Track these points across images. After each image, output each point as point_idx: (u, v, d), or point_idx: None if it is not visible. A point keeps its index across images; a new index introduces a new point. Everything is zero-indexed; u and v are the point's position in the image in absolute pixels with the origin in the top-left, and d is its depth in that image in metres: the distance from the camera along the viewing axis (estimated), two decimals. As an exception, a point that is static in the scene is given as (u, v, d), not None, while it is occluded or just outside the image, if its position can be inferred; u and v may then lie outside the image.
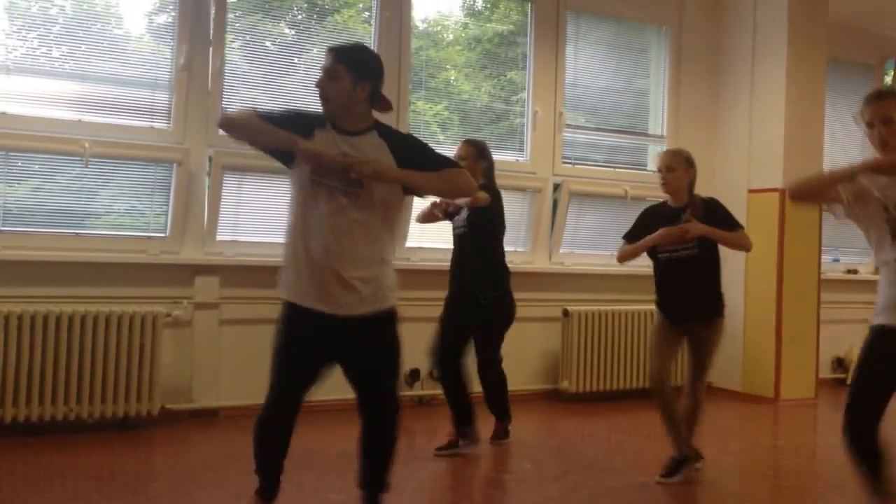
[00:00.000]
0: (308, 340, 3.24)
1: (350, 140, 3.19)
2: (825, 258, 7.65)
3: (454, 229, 5.17)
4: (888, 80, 8.71)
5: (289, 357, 3.28)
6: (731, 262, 7.40)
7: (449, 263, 5.17)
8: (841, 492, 4.35)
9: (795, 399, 7.02)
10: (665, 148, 7.51)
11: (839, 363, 8.08)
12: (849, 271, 8.28)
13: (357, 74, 3.15)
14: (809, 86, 7.20)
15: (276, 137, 3.12)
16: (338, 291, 3.13)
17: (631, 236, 4.72)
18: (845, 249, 8.35)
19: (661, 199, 4.80)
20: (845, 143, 8.22)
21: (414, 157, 3.23)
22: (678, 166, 4.63)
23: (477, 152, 5.13)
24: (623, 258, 4.74)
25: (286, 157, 3.22)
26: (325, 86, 3.17)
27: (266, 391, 3.38)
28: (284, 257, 3.28)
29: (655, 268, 4.70)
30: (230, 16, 5.90)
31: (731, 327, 7.37)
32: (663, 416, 4.53)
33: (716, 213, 4.61)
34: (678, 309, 4.60)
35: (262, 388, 5.64)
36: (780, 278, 7.07)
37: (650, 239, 4.54)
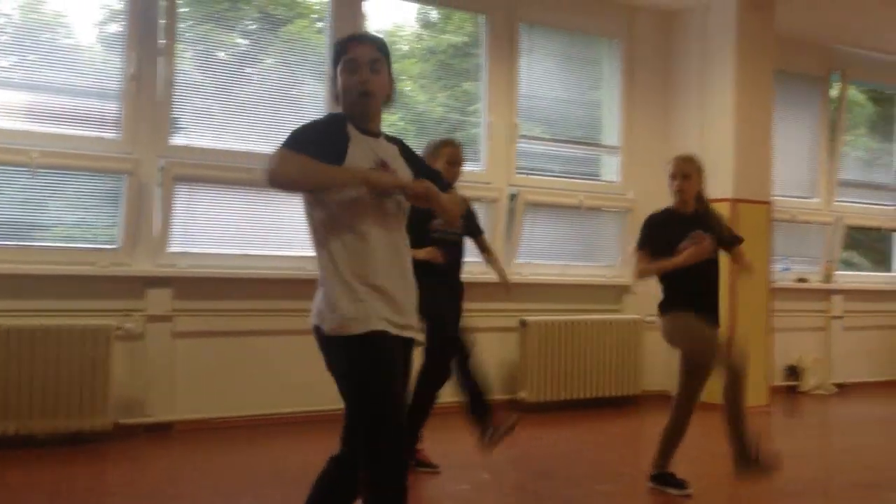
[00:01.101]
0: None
1: (376, 145, 2.77)
2: (776, 267, 7.76)
3: (447, 235, 4.66)
4: (834, 91, 8.89)
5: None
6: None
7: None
8: (797, 497, 4.40)
9: (748, 407, 7.07)
10: (620, 158, 7.60)
11: (791, 371, 8.19)
12: (800, 280, 8.42)
13: (391, 67, 2.82)
14: (758, 97, 7.32)
15: (347, 176, 2.58)
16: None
17: (649, 248, 4.45)
18: (796, 258, 8.50)
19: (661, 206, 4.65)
20: (794, 153, 8.38)
21: (423, 169, 2.90)
22: (693, 173, 4.50)
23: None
24: (643, 275, 4.51)
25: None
26: (369, 79, 2.69)
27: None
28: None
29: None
30: (181, 25, 5.83)
31: (685, 336, 7.47)
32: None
33: (720, 223, 4.56)
34: (709, 307, 4.47)
35: (217, 401, 5.65)
36: (733, 287, 7.14)
37: (678, 261, 4.32)
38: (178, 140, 5.79)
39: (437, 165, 4.46)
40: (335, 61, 2.76)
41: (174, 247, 5.68)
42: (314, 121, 2.74)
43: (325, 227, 2.65)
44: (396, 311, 2.63)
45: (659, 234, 4.42)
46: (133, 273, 5.51)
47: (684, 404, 4.48)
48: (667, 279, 4.45)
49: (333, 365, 2.65)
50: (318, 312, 2.66)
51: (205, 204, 5.86)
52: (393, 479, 2.53)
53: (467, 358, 4.81)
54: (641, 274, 4.45)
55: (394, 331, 2.62)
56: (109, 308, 5.40)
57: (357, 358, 2.58)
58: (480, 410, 4.79)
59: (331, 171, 2.56)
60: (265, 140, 6.03)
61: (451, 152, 4.71)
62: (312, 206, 2.68)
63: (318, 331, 2.67)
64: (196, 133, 5.89)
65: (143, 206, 5.58)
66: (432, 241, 4.50)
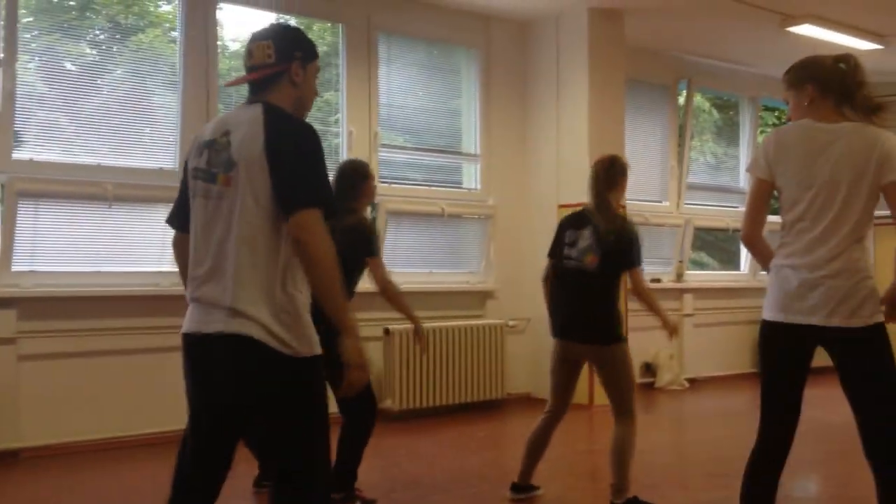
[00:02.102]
0: None
1: None
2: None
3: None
4: (682, 99, 9.29)
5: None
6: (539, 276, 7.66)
7: None
8: (654, 490, 4.56)
9: (608, 404, 7.29)
10: (480, 166, 7.72)
11: (647, 368, 8.50)
12: (653, 280, 8.74)
13: None
14: (609, 105, 7.58)
15: (342, 315, 2.44)
16: None
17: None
18: (649, 259, 8.81)
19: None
20: (646, 158, 8.70)
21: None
22: None
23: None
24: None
25: None
26: None
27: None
28: None
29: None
30: (26, 35, 5.59)
31: (546, 338, 7.64)
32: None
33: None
34: None
35: (65, 425, 5.42)
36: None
37: None
38: (21, 154, 5.53)
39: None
40: (307, 60, 2.60)
41: (18, 266, 5.42)
42: (320, 150, 2.48)
43: (285, 245, 2.45)
44: None
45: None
46: (-26, 294, 5.24)
47: None
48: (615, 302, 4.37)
49: (288, 386, 2.45)
50: (269, 329, 2.41)
51: (51, 220, 5.62)
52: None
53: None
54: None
55: None
56: (-52, 332, 5.12)
57: (319, 379, 2.53)
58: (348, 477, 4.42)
59: (340, 298, 2.42)
60: (115, 153, 5.85)
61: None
62: (278, 226, 2.44)
63: (261, 348, 2.41)
64: (42, 147, 5.65)
65: (-17, 224, 5.31)
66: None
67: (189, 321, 2.61)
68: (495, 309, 7.63)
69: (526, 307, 7.79)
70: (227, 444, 2.61)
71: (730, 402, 8.05)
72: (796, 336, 3.03)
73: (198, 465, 2.61)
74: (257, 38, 2.60)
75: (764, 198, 3.12)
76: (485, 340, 7.30)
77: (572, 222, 4.37)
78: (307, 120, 2.66)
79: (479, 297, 7.63)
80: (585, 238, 4.22)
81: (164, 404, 5.81)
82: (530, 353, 7.79)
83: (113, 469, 5.20)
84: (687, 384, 8.57)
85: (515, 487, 4.54)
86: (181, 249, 2.68)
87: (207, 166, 2.52)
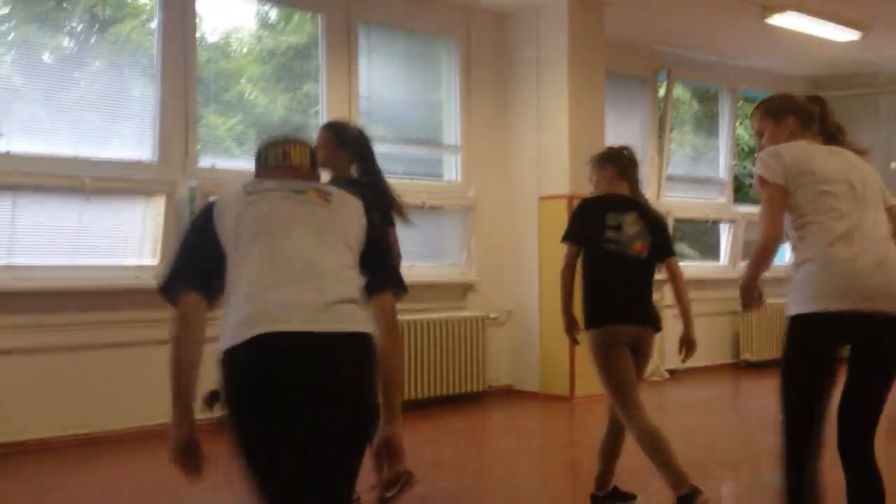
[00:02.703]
0: None
1: None
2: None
3: None
4: (662, 91, 9.31)
5: None
6: (527, 267, 7.70)
7: None
8: (635, 482, 4.58)
9: (589, 396, 7.34)
10: (460, 158, 7.71)
11: (628, 359, 8.51)
12: (634, 272, 8.78)
13: None
14: (589, 97, 7.58)
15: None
16: None
17: None
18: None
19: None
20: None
21: None
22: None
23: (336, 137, 4.20)
24: None
25: None
26: None
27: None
28: None
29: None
30: (2, 27, 5.54)
31: (527, 330, 7.68)
32: None
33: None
34: None
35: (43, 420, 5.39)
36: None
37: None
38: (-4, 146, 5.49)
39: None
40: None
41: (-5, 259, 5.39)
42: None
43: None
44: None
45: None
46: (-50, 289, 5.20)
47: None
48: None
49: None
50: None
51: (28, 213, 5.57)
52: None
53: None
54: None
55: None
56: (-75, 327, 5.08)
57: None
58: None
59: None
60: (93, 145, 5.81)
61: None
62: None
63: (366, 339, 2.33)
64: (18, 139, 5.60)
65: (-41, 217, 5.26)
66: None
67: None
68: (476, 301, 7.64)
69: (507, 299, 7.81)
70: None
71: (709, 393, 8.11)
72: (841, 325, 3.01)
73: None
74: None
75: (783, 201, 3.12)
76: (466, 333, 7.30)
77: (611, 205, 4.05)
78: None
79: (460, 290, 7.64)
80: (632, 224, 3.99)
81: (145, 398, 5.80)
82: (511, 346, 7.81)
83: (94, 464, 5.18)
84: (667, 375, 8.62)
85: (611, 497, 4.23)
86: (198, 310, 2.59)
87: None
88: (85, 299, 5.63)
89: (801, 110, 3.26)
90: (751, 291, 3.17)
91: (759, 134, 3.35)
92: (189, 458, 2.31)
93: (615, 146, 4.28)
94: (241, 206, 2.42)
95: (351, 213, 2.52)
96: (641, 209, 4.06)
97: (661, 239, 4.08)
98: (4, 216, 5.42)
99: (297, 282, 2.28)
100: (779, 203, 3.11)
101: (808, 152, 3.16)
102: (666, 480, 3.74)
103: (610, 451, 4.14)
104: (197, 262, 2.39)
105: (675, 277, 4.15)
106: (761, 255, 3.14)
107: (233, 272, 2.32)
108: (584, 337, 4.06)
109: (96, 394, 5.64)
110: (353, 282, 2.39)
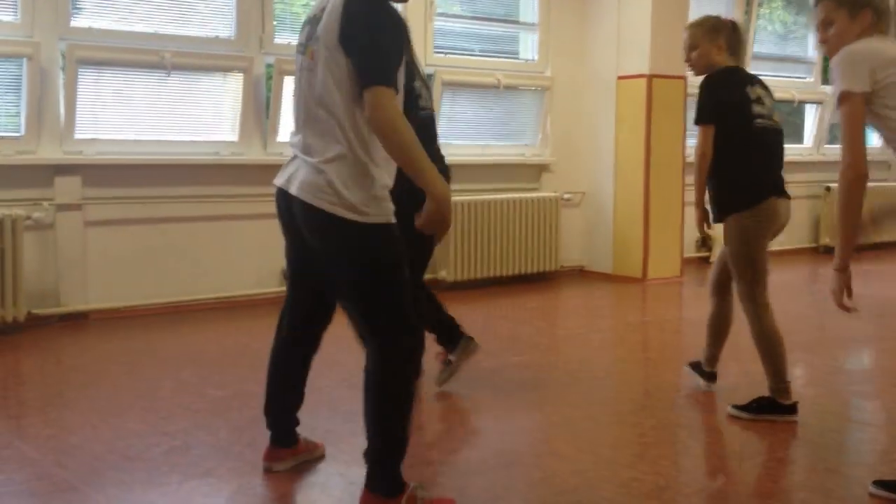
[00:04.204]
0: None
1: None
2: (689, 142, 7.89)
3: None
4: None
5: None
6: (603, 148, 7.60)
7: None
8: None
9: (662, 278, 7.34)
10: (538, 36, 7.54)
11: (702, 242, 8.44)
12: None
13: None
14: (674, -30, 7.28)
15: (429, 178, 2.50)
16: None
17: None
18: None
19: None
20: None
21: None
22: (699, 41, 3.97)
23: None
24: None
25: None
26: None
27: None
28: None
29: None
30: None
31: (601, 212, 7.64)
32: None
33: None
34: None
35: (131, 289, 5.63)
36: (648, 163, 7.28)
37: None
38: (79, 22, 5.55)
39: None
40: None
41: (81, 133, 5.51)
42: (394, 30, 2.54)
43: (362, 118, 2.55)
44: None
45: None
46: (40, 161, 5.35)
47: None
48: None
49: (356, 250, 2.59)
50: (330, 195, 2.56)
51: (112, 88, 5.66)
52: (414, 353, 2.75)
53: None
54: None
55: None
56: (17, 198, 5.26)
57: (392, 245, 2.61)
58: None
59: (419, 163, 2.46)
60: (171, 22, 5.83)
61: None
62: (356, 96, 2.53)
63: (324, 215, 2.56)
64: (99, 14, 5.65)
65: (46, 92, 5.37)
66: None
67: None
68: (551, 182, 7.59)
69: (582, 180, 7.75)
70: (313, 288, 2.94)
71: (788, 276, 7.99)
72: None
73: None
74: None
75: (864, 118, 2.87)
76: (539, 213, 7.30)
77: (746, 78, 3.89)
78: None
79: (535, 170, 7.60)
80: (766, 96, 3.86)
81: (225, 271, 6.00)
82: (585, 227, 7.79)
83: (179, 330, 5.40)
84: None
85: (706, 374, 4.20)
86: None
87: (304, 40, 2.70)
88: (168, 173, 5.77)
89: (878, 4, 2.98)
90: (841, 285, 2.90)
91: (826, 24, 3.06)
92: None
93: (721, 17, 4.07)
94: None
95: None
96: (761, 82, 3.92)
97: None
98: (88, 91, 5.53)
99: None
100: (861, 121, 2.85)
101: (882, 45, 2.91)
102: (769, 383, 3.76)
103: (718, 332, 4.10)
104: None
105: None
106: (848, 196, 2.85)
107: None
108: (718, 226, 3.93)
109: (179, 265, 5.84)
110: None
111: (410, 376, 2.71)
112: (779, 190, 3.84)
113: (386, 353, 2.65)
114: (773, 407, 3.73)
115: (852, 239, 2.89)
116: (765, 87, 3.90)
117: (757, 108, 3.81)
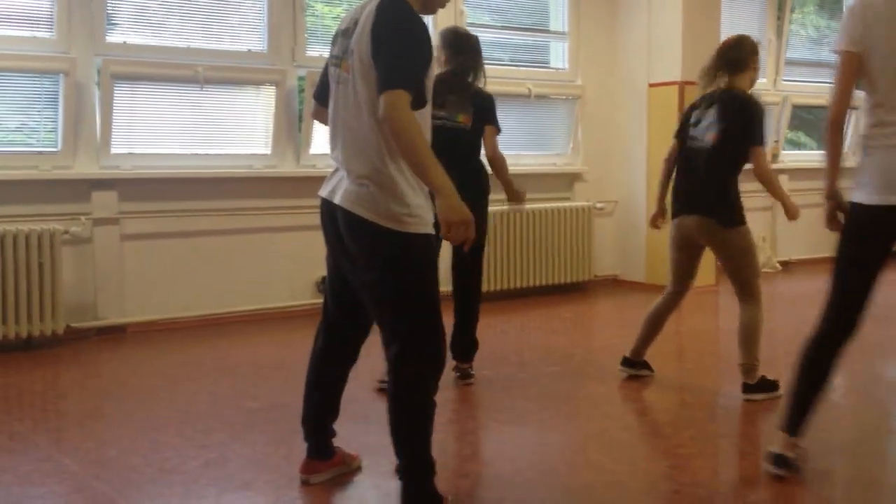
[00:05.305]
0: None
1: None
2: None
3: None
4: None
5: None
6: (634, 156, 7.55)
7: None
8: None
9: (697, 287, 7.23)
10: (568, 45, 7.52)
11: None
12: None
13: None
14: (706, -22, 7.24)
15: (439, 183, 2.54)
16: None
17: None
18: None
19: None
20: (742, 33, 8.31)
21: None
22: None
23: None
24: None
25: None
26: None
27: None
28: None
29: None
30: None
31: (634, 221, 7.59)
32: None
33: None
34: None
35: (168, 302, 5.68)
36: (681, 170, 7.21)
37: None
38: (114, 37, 5.62)
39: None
40: None
41: (117, 148, 5.58)
42: (420, 39, 2.60)
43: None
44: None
45: None
46: (76, 176, 5.43)
47: None
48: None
49: (391, 258, 2.64)
50: (370, 204, 2.62)
51: (147, 103, 5.73)
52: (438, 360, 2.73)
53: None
54: None
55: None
56: (55, 212, 5.33)
57: (424, 255, 2.68)
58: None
59: (428, 164, 2.49)
60: (204, 37, 5.89)
61: None
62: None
63: (364, 223, 2.63)
64: (133, 30, 5.72)
65: (82, 107, 5.45)
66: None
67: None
68: (583, 191, 7.57)
69: (614, 189, 7.71)
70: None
71: (821, 284, 7.89)
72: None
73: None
74: None
75: (856, 74, 3.00)
76: (572, 223, 7.27)
77: None
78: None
79: (567, 180, 7.57)
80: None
81: (258, 283, 6.03)
82: (618, 236, 7.75)
83: (215, 343, 5.44)
84: (780, 267, 8.43)
85: (626, 362, 4.59)
86: (320, 118, 2.96)
87: (340, 53, 2.73)
88: (203, 187, 5.82)
89: None
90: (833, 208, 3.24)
91: None
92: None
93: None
94: None
95: None
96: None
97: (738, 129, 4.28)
98: (124, 106, 5.59)
99: None
100: (852, 75, 3.03)
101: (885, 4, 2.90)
102: (741, 364, 4.14)
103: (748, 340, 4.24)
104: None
105: (755, 169, 4.39)
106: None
107: None
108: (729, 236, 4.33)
109: (214, 278, 5.88)
110: None
111: (424, 390, 2.68)
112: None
113: (403, 360, 2.65)
114: (771, 386, 4.14)
115: (834, 171, 3.22)
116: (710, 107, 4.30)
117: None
